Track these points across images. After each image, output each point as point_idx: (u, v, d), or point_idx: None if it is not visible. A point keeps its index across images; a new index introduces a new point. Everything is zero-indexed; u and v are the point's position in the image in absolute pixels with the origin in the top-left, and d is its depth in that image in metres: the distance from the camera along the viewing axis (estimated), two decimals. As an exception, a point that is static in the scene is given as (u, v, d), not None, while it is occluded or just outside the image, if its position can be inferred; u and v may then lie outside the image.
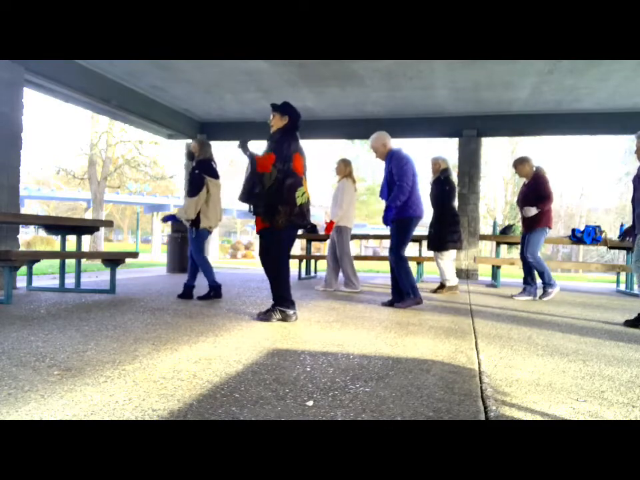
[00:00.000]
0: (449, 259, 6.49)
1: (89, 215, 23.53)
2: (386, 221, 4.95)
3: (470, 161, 9.43)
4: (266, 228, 3.85)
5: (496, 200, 31.62)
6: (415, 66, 6.90)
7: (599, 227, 7.37)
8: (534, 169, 6.04)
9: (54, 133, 52.01)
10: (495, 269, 8.19)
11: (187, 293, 5.25)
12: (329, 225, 6.28)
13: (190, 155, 5.43)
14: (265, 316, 3.93)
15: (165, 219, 5.83)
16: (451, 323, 4.08)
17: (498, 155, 29.42)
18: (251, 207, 3.89)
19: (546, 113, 8.87)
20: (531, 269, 6.05)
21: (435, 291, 6.45)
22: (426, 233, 6.69)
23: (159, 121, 9.06)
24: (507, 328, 3.90)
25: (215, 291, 5.24)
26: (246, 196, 3.86)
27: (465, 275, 9.35)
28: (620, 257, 18.66)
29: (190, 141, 10.08)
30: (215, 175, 5.30)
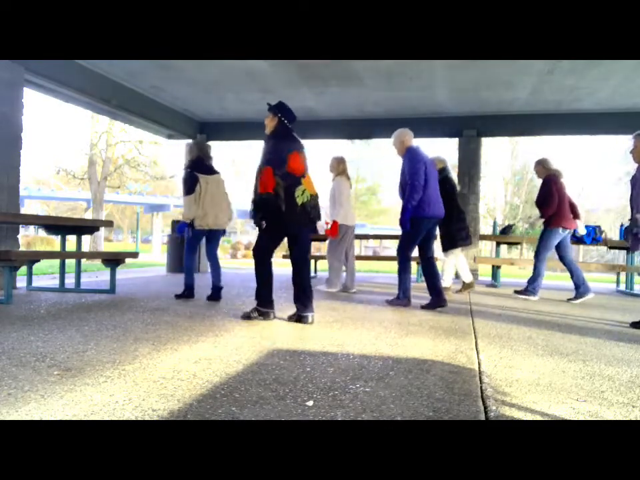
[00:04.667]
0: (451, 259, 6.48)
1: (89, 215, 23.52)
2: (403, 223, 4.76)
3: (470, 160, 9.42)
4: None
5: (496, 200, 31.60)
6: (415, 66, 6.89)
7: (599, 226, 7.38)
8: (550, 171, 6.03)
9: (54, 132, 51.99)
10: (495, 269, 8.19)
11: (215, 295, 5.20)
12: (334, 226, 6.05)
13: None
14: (246, 314, 4.00)
15: (179, 231, 5.41)
16: (451, 322, 4.07)
17: (498, 154, 29.42)
18: (257, 217, 3.88)
19: (546, 113, 8.86)
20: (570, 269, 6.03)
21: (458, 291, 6.46)
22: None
23: (159, 121, 9.05)
24: (507, 328, 3.90)
25: (189, 291, 5.22)
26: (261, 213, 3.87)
27: (464, 275, 9.34)
28: (620, 257, 18.64)
29: (190, 140, 10.09)
30: (207, 171, 5.16)
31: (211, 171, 5.21)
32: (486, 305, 5.35)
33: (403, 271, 4.88)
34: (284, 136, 3.92)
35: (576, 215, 6.09)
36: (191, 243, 5.25)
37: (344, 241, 6.26)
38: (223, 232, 5.43)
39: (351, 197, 6.45)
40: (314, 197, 3.91)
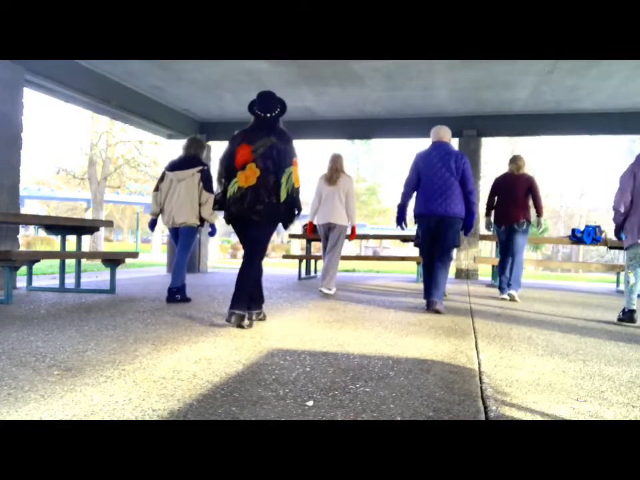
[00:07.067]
0: None
1: (89, 215, 23.51)
2: (397, 221, 4.98)
3: (470, 160, 9.39)
4: None
5: (496, 200, 31.61)
6: (415, 66, 6.90)
7: (598, 226, 7.38)
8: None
9: (54, 132, 51.99)
10: (495, 269, 8.19)
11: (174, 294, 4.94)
12: (353, 231, 6.18)
13: None
14: None
15: (149, 226, 5.23)
16: (451, 322, 4.07)
17: (498, 154, 29.43)
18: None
19: (546, 113, 8.86)
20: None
21: None
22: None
23: (159, 121, 9.05)
24: (507, 328, 3.90)
25: (168, 292, 4.95)
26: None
27: (464, 274, 9.35)
28: (620, 257, 18.66)
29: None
30: (170, 168, 4.90)
31: (170, 167, 4.91)
32: (486, 305, 5.34)
33: (422, 269, 4.97)
34: (244, 129, 3.94)
35: (537, 210, 6.19)
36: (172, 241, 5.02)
37: (323, 240, 6.11)
38: (190, 230, 4.85)
39: (331, 195, 5.95)
40: (240, 188, 3.61)
